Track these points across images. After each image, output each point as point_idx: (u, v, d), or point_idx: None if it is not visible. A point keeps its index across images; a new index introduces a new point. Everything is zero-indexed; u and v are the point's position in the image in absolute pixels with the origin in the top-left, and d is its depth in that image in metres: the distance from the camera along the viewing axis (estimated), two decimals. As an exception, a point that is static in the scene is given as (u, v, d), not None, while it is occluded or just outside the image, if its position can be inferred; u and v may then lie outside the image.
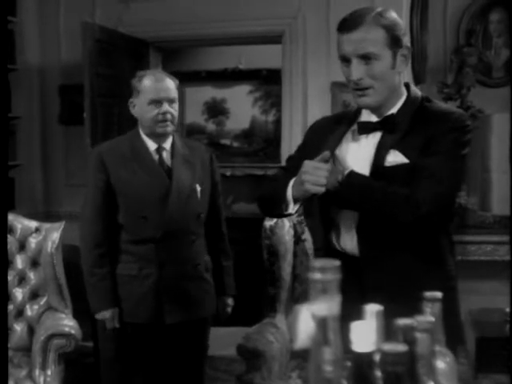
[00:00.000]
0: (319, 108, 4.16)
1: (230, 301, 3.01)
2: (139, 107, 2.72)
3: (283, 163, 4.52)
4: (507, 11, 4.42)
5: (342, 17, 1.91)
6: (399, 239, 1.89)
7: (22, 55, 4.79)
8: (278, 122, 6.02)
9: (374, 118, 1.95)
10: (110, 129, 4.17)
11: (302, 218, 3.33)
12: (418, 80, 4.42)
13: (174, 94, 2.73)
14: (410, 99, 1.96)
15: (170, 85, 2.72)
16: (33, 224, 3.25)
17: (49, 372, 2.91)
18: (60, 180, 4.89)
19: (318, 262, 0.96)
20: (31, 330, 3.10)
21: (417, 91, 2.01)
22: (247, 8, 4.48)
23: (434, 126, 1.88)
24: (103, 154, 2.75)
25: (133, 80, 2.75)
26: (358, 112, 2.03)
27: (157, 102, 2.67)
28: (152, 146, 2.75)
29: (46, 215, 4.61)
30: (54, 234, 3.17)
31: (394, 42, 1.87)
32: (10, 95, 4.62)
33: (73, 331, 2.95)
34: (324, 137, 2.02)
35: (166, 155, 2.76)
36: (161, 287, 2.72)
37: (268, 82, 6.32)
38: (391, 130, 1.92)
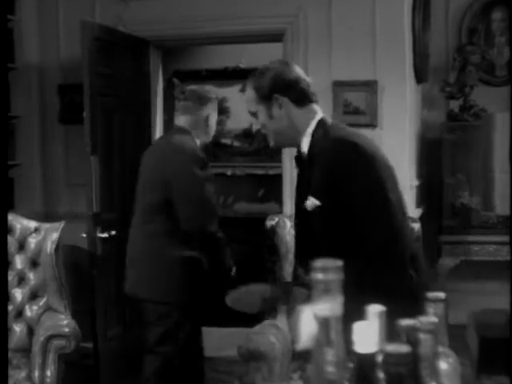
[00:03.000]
0: (320, 107, 4.12)
1: None
2: None
3: (283, 163, 4.53)
4: (509, 10, 4.40)
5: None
6: None
7: (22, 54, 4.77)
8: (278, 122, 6.00)
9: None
10: (109, 128, 4.15)
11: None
12: (420, 79, 4.40)
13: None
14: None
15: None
16: (32, 224, 3.24)
17: (48, 373, 2.90)
18: (60, 180, 4.87)
19: (320, 262, 0.94)
20: (31, 331, 3.08)
21: None
22: (248, 6, 4.46)
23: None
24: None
25: None
26: None
27: None
28: None
29: (46, 215, 4.59)
30: (53, 234, 3.16)
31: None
32: (10, 94, 4.60)
33: (72, 332, 2.94)
34: None
35: None
36: None
37: (269, 81, 6.29)
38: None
